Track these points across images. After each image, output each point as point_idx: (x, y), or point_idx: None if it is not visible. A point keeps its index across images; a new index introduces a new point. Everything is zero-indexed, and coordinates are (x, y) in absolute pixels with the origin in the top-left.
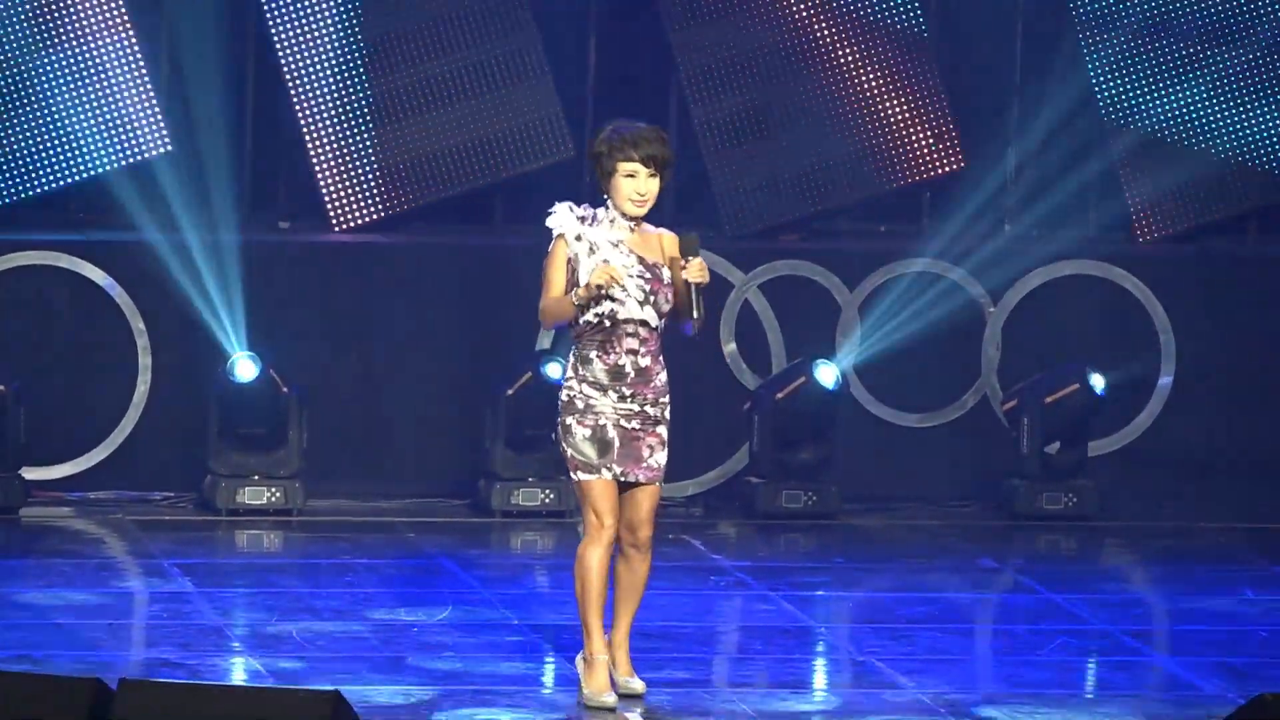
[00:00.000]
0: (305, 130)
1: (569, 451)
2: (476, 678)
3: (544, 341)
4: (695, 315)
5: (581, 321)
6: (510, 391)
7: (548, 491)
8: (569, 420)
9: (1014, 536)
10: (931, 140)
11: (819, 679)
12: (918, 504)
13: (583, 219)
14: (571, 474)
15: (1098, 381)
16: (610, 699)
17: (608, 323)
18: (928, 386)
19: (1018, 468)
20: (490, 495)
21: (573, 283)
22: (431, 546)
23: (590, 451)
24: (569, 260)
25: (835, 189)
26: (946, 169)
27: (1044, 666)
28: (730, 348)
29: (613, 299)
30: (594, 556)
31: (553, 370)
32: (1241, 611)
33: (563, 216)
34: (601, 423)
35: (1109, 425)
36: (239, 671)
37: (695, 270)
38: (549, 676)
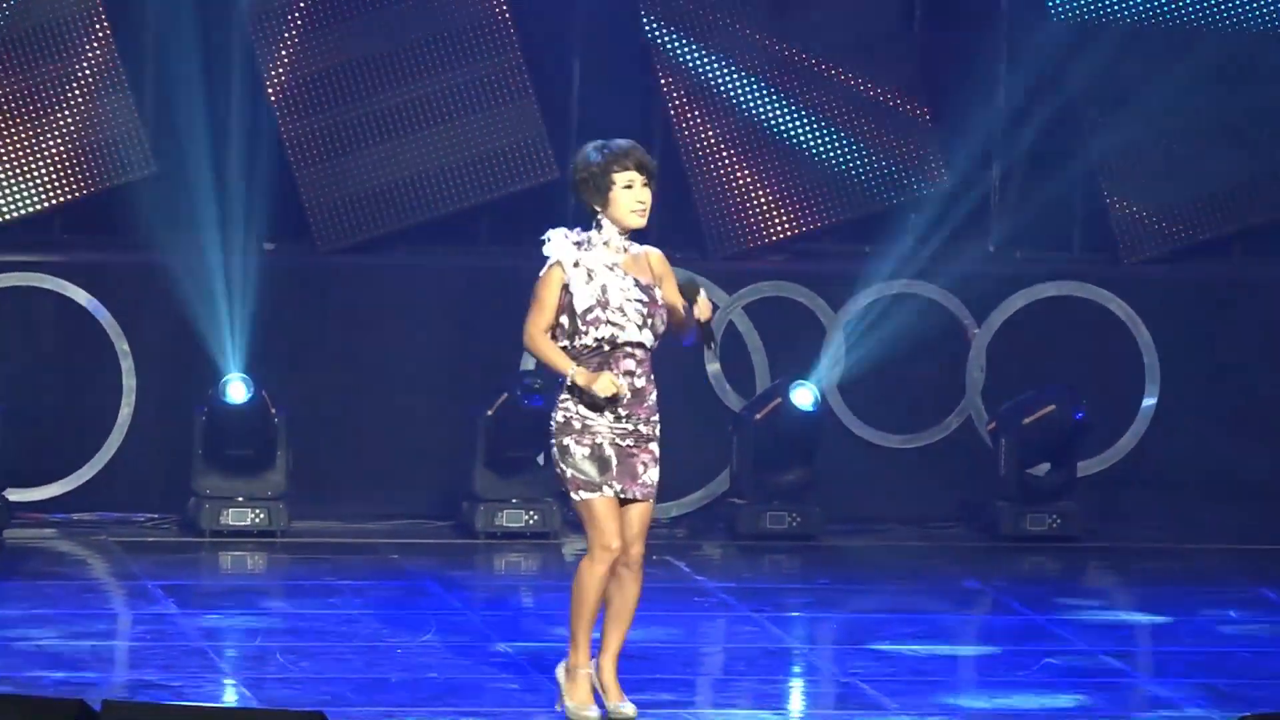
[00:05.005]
0: (289, 152)
1: (569, 472)
2: (461, 699)
3: (529, 362)
4: (714, 346)
5: (579, 345)
6: (490, 412)
7: (531, 513)
8: (566, 441)
9: (998, 558)
10: (916, 160)
11: (803, 700)
12: (902, 525)
13: (578, 244)
14: (572, 494)
15: (1074, 403)
16: (593, 713)
17: (607, 346)
18: (912, 408)
19: (999, 489)
20: (474, 517)
21: (566, 308)
22: (415, 568)
23: (591, 470)
24: (564, 286)
25: (821, 209)
26: (929, 187)
27: (1028, 687)
28: (714, 367)
29: (613, 323)
30: (596, 575)
31: (532, 395)
32: (1225, 633)
33: (559, 244)
34: (599, 441)
35: (1093, 447)
36: (223, 693)
37: (705, 309)
38: (533, 698)
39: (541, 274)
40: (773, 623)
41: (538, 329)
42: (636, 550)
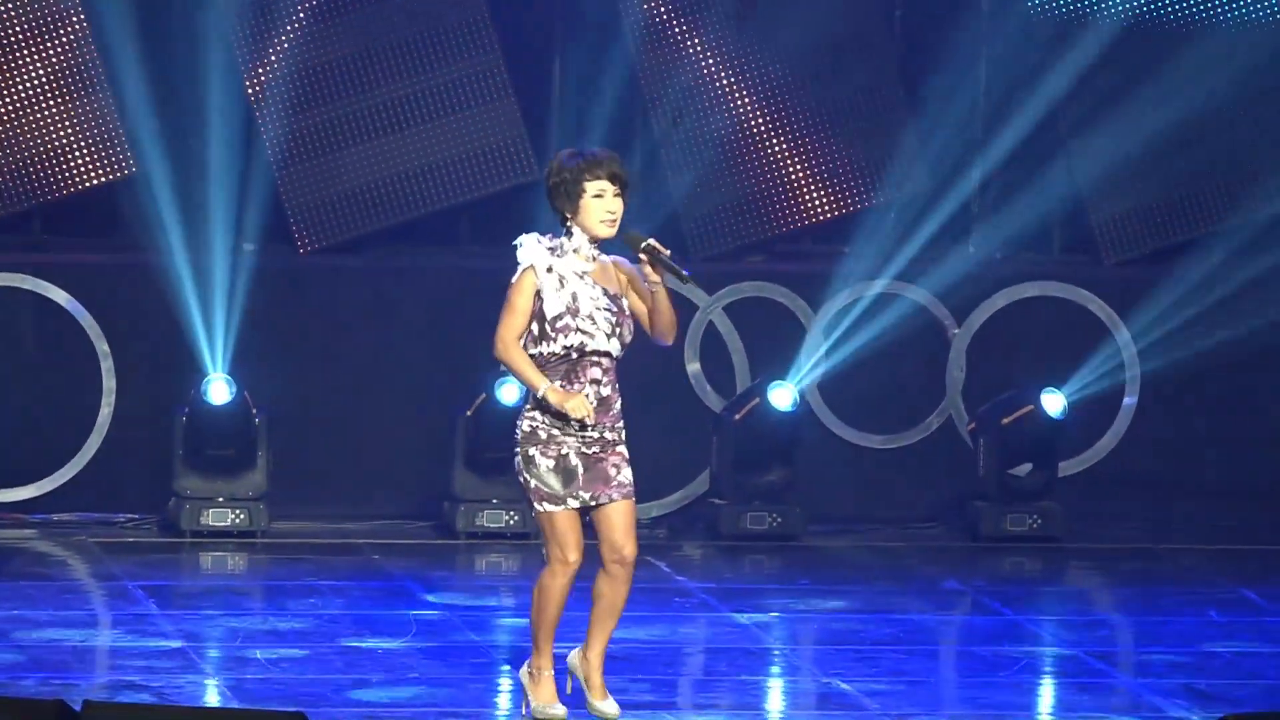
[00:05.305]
0: (270, 152)
1: (532, 482)
2: (440, 700)
3: None
4: (685, 277)
5: (547, 353)
6: (469, 413)
7: (512, 514)
8: (532, 451)
9: (978, 558)
10: (896, 160)
11: (783, 701)
12: (883, 526)
13: (551, 249)
14: (535, 505)
15: (1053, 403)
16: (559, 710)
17: (575, 354)
18: (893, 408)
19: (978, 489)
20: (455, 517)
21: (536, 314)
22: (396, 569)
23: (555, 482)
24: (537, 291)
25: (800, 209)
26: (909, 187)
27: (1008, 688)
28: (694, 367)
29: (583, 331)
30: (556, 586)
31: (506, 393)
32: (1206, 633)
33: (532, 248)
34: (564, 452)
35: (1074, 447)
36: (203, 693)
37: (655, 243)
38: (514, 698)
39: (514, 280)
40: (753, 623)
41: (511, 335)
42: (630, 549)
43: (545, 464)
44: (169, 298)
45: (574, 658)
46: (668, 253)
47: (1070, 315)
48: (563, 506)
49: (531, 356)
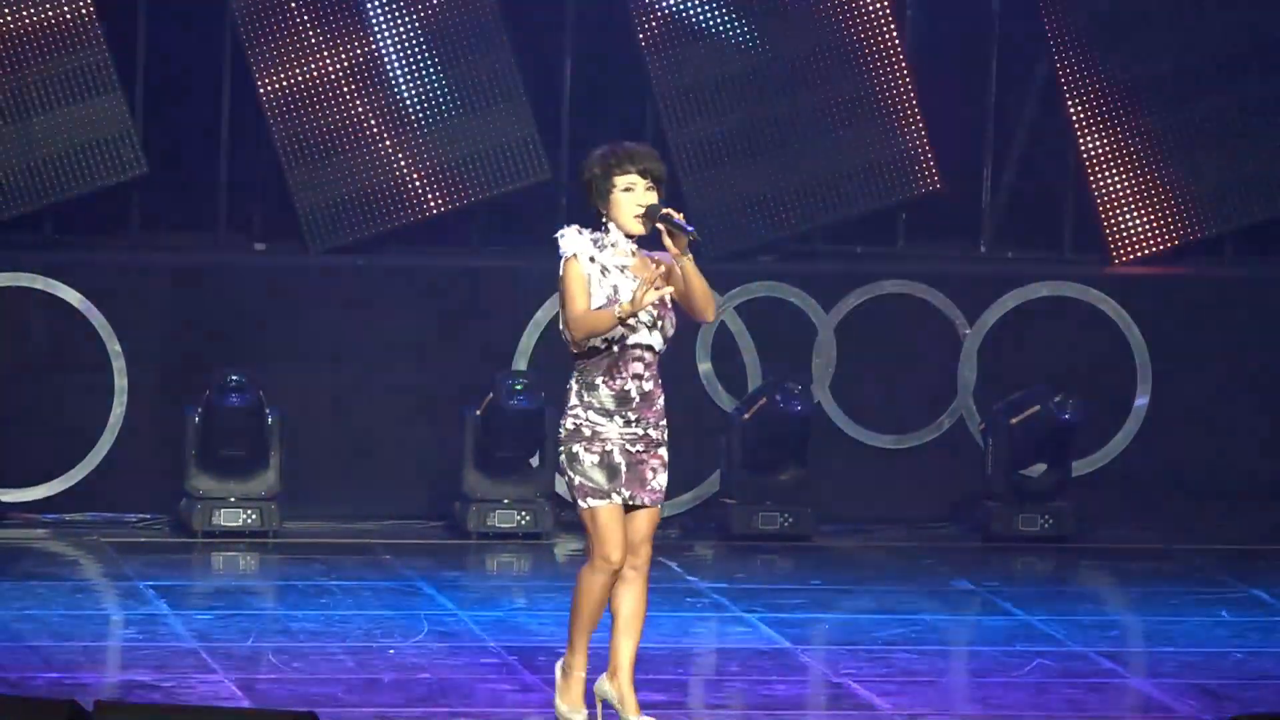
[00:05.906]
0: (281, 152)
1: (577, 479)
2: (452, 700)
3: (520, 361)
4: (692, 234)
5: (588, 346)
6: (479, 412)
7: (523, 514)
8: (576, 448)
9: (990, 558)
10: (907, 161)
11: (795, 701)
12: (894, 526)
13: (593, 241)
14: (580, 501)
15: (1064, 404)
16: (582, 715)
17: (616, 347)
18: (904, 408)
19: (990, 489)
20: (466, 517)
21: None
22: (408, 568)
23: (600, 477)
24: (587, 277)
25: (812, 210)
26: (923, 189)
27: (1020, 688)
28: (705, 367)
29: (625, 324)
30: (597, 583)
31: (517, 395)
32: (1217, 633)
33: (574, 238)
34: (609, 448)
35: (1085, 447)
36: (215, 693)
37: (670, 211)
38: (525, 697)
39: (562, 272)
40: (765, 623)
41: (581, 310)
42: (645, 551)
43: (589, 460)
44: (180, 297)
45: (601, 684)
46: (679, 215)
47: (1082, 315)
48: (607, 501)
49: (574, 351)
